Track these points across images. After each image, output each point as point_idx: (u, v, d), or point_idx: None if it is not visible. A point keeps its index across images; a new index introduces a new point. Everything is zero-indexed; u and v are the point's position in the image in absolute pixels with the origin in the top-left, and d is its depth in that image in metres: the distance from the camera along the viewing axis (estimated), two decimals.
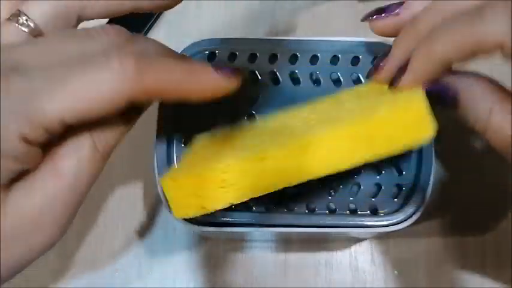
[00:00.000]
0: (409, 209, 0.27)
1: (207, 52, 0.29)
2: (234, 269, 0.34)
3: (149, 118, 0.28)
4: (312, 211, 0.28)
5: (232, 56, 0.29)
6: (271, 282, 0.33)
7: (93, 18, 0.23)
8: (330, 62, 0.29)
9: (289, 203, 0.28)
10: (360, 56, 0.30)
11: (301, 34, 0.39)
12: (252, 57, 0.29)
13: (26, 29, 0.21)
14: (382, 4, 0.25)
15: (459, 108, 0.22)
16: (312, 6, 0.39)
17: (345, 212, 0.28)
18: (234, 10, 0.39)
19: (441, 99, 0.22)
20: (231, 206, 0.27)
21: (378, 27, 0.25)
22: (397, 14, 0.24)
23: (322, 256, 0.34)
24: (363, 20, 0.25)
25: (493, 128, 0.21)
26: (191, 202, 0.23)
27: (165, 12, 0.38)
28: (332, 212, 0.28)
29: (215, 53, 0.29)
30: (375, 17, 0.25)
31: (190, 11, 0.39)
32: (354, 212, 0.28)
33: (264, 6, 0.39)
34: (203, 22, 0.39)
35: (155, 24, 0.38)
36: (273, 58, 0.29)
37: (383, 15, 0.25)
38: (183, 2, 0.24)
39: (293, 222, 0.27)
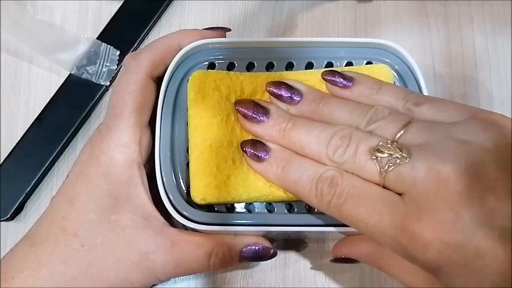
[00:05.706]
0: None
1: (206, 63, 0.30)
2: (234, 269, 0.34)
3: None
4: (309, 210, 0.28)
5: (231, 66, 0.30)
6: (271, 282, 0.34)
7: None
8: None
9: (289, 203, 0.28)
10: (353, 62, 0.30)
11: (301, 35, 0.39)
12: (250, 65, 0.30)
13: None
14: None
15: None
16: (311, 6, 0.39)
17: None
18: (233, 11, 0.39)
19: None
20: (232, 206, 0.28)
21: None
22: None
23: (321, 256, 0.34)
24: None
25: None
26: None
27: (165, 13, 0.39)
28: None
29: (214, 64, 0.30)
30: None
31: (190, 12, 0.39)
32: None
33: (263, 6, 0.39)
34: (203, 22, 0.39)
35: (155, 25, 0.39)
36: (270, 66, 0.30)
37: None
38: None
39: (293, 222, 0.28)
